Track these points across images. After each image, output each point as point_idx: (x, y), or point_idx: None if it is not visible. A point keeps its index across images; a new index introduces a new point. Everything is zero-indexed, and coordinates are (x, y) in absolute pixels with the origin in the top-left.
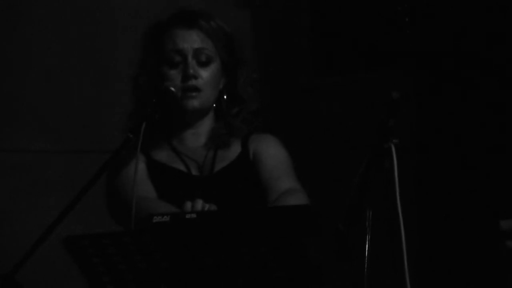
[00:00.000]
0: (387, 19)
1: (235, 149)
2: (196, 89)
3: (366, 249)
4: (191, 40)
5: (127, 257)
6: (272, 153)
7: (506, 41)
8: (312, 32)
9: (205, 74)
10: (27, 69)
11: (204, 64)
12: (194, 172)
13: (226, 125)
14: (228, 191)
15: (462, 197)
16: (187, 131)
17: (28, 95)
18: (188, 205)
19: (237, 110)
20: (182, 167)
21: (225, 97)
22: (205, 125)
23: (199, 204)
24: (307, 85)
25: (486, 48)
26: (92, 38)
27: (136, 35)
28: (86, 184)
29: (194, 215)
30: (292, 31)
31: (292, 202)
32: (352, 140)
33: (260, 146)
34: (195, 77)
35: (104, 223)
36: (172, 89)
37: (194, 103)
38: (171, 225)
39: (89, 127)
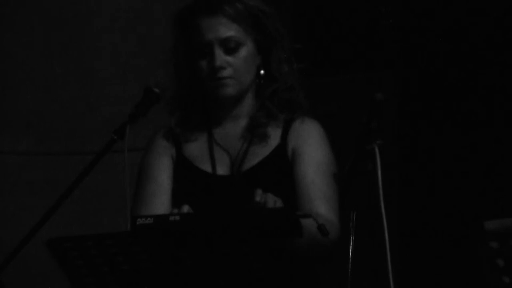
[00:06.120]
0: (370, 19)
1: (273, 141)
2: (227, 78)
3: (350, 250)
4: (216, 30)
5: (110, 258)
6: (312, 168)
7: (494, 40)
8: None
9: (234, 61)
10: (10, 70)
11: (233, 51)
12: (221, 170)
13: (265, 110)
14: (252, 193)
15: (445, 199)
16: (225, 116)
17: (12, 96)
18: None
19: (272, 90)
20: (208, 166)
21: (261, 72)
22: (245, 106)
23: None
24: None
25: (473, 48)
26: (76, 39)
27: (119, 36)
28: (70, 185)
29: (177, 217)
30: None
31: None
32: (336, 141)
33: (301, 145)
34: (223, 67)
35: (87, 225)
36: (156, 90)
37: (228, 90)
38: (155, 227)
39: (73, 129)
